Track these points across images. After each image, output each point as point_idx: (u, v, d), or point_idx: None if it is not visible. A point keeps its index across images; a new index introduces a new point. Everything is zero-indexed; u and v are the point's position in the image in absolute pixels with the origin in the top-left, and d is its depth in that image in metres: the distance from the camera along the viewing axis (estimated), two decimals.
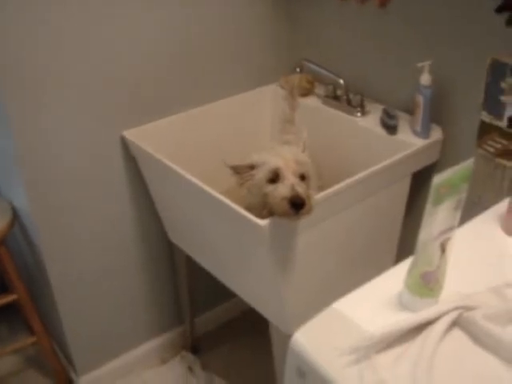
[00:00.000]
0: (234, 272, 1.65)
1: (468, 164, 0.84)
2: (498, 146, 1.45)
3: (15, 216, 1.86)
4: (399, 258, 1.69)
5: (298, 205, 1.25)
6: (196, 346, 2.27)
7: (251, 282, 1.60)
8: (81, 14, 1.54)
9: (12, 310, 2.11)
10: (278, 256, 1.38)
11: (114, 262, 1.95)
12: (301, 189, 1.27)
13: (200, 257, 1.81)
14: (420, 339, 0.87)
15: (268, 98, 1.98)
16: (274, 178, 1.31)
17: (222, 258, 1.66)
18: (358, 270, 1.61)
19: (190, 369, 2.17)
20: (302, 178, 1.32)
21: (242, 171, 1.39)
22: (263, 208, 1.32)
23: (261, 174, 1.34)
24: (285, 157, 1.33)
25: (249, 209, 1.32)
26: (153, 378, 2.13)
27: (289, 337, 1.53)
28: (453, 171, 0.83)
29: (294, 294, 1.49)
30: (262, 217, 1.29)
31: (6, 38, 1.46)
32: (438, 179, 0.81)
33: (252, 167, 1.37)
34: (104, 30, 1.60)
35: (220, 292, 2.00)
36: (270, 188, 1.31)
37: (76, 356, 2.02)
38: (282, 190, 1.27)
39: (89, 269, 1.89)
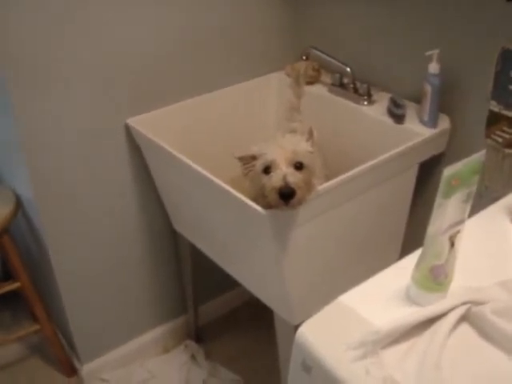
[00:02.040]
0: (238, 261, 1.65)
1: (479, 156, 0.82)
2: (507, 136, 1.44)
3: (19, 204, 1.85)
4: (405, 249, 1.68)
5: (286, 195, 1.24)
6: (200, 335, 2.27)
7: (255, 272, 1.59)
8: (83, 2, 1.52)
9: (15, 297, 2.11)
10: (281, 245, 1.37)
11: (118, 250, 1.94)
12: (293, 178, 1.26)
13: (204, 246, 1.81)
14: (428, 334, 0.86)
15: (274, 86, 1.96)
16: (269, 168, 1.30)
17: (226, 246, 1.65)
18: (363, 261, 1.60)
19: (194, 358, 2.17)
20: (300, 167, 1.31)
21: (246, 162, 1.38)
22: (263, 198, 1.31)
23: (258, 165, 1.33)
24: (282, 147, 1.32)
25: (254, 199, 1.31)
26: (156, 367, 2.13)
27: (293, 326, 1.54)
28: (463, 163, 0.81)
29: (298, 283, 1.48)
30: (267, 207, 1.28)
31: (9, 26, 1.44)
32: (448, 171, 0.80)
33: (254, 158, 1.36)
34: (107, 17, 1.58)
35: (224, 281, 2.00)
36: (265, 179, 1.30)
37: (79, 344, 2.02)
38: (273, 181, 1.27)
39: (92, 257, 1.88)
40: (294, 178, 1.26)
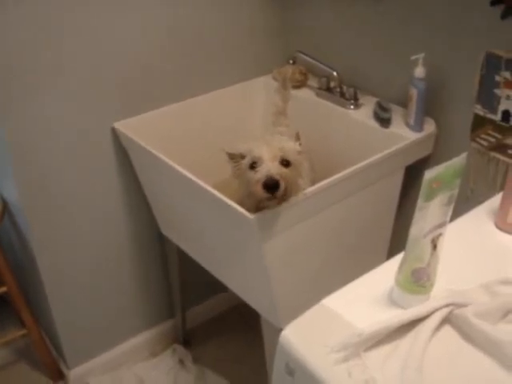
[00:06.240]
0: (225, 265, 1.64)
1: (461, 159, 0.83)
2: (492, 139, 1.44)
3: (5, 208, 1.84)
4: (392, 252, 1.68)
5: (271, 186, 1.24)
6: (187, 339, 2.27)
7: (242, 276, 1.59)
8: (70, 5, 1.52)
9: (2, 302, 2.10)
10: (267, 249, 1.36)
11: (105, 255, 1.93)
12: (278, 171, 1.26)
13: (191, 249, 1.80)
14: (410, 336, 0.86)
15: (261, 90, 1.96)
16: (255, 164, 1.31)
17: (213, 250, 1.65)
18: (350, 265, 1.60)
19: (181, 362, 2.16)
20: (286, 164, 1.31)
21: (235, 160, 1.38)
22: (249, 197, 1.31)
23: (245, 162, 1.33)
24: (269, 144, 1.32)
25: (242, 203, 1.31)
26: (144, 371, 2.12)
27: (280, 330, 1.53)
28: (445, 166, 0.81)
29: (285, 287, 1.48)
30: (255, 210, 1.28)
31: None
32: (429, 174, 0.80)
33: (243, 157, 1.36)
34: (94, 19, 1.58)
35: (211, 285, 2.00)
36: (251, 174, 1.30)
37: (67, 349, 2.01)
38: (257, 174, 1.27)
39: (79, 261, 1.88)
40: (279, 170, 1.26)
